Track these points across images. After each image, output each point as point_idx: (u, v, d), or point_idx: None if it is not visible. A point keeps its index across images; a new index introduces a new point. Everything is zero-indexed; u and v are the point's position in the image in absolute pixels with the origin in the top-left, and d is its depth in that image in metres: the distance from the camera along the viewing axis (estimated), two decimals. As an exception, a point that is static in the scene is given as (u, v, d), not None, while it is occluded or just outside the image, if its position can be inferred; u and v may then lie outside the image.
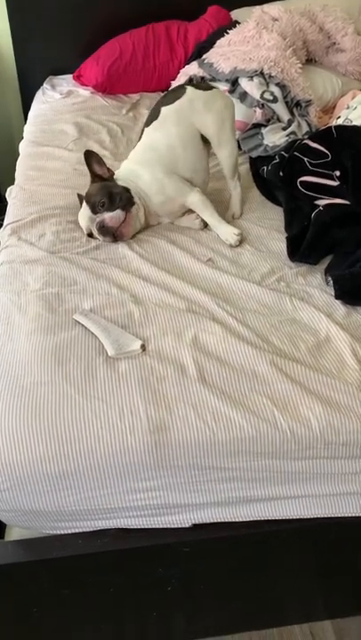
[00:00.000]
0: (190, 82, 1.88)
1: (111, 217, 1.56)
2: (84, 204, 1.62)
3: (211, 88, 1.80)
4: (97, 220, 1.58)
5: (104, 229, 1.58)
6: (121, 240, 1.60)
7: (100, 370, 1.20)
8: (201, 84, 1.88)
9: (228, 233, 1.62)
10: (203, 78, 2.35)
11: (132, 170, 1.67)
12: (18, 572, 1.17)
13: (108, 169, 1.65)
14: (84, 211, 1.62)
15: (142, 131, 1.77)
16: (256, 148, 2.04)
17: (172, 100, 1.72)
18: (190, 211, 1.69)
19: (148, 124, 1.75)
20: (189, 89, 1.74)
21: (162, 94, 1.95)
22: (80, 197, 1.70)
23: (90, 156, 1.64)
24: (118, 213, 1.57)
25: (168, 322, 1.31)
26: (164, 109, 1.72)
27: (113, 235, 1.59)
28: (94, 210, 1.59)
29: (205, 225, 1.68)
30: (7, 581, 1.18)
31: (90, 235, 1.63)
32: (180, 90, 1.75)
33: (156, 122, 1.72)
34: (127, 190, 1.60)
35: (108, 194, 1.58)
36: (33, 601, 1.23)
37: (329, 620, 1.43)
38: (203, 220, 1.68)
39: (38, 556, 1.16)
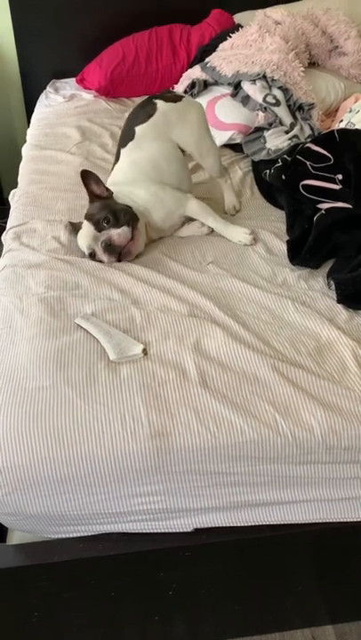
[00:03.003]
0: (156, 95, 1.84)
1: (118, 234, 1.48)
2: (86, 222, 1.54)
3: (179, 97, 1.76)
4: (102, 238, 1.50)
5: (110, 247, 1.49)
6: (125, 259, 1.53)
7: (101, 374, 1.20)
8: (167, 94, 1.80)
9: (239, 234, 1.61)
10: (205, 82, 2.36)
11: (125, 191, 1.61)
12: (19, 576, 1.17)
13: (107, 188, 1.58)
14: (86, 229, 1.53)
15: (118, 152, 1.73)
16: (259, 152, 2.04)
17: (144, 118, 1.69)
18: (190, 219, 1.68)
19: (123, 144, 1.71)
20: (160, 103, 1.71)
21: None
22: (73, 225, 1.64)
23: (87, 176, 1.55)
24: (125, 230, 1.49)
25: (170, 326, 1.31)
26: (138, 129, 1.68)
27: (119, 253, 1.51)
28: (98, 227, 1.50)
29: (212, 229, 1.66)
30: (8, 585, 1.18)
31: (91, 255, 1.54)
32: (150, 105, 1.72)
33: (132, 142, 1.68)
34: (129, 207, 1.54)
35: (111, 210, 1.50)
36: (34, 605, 1.23)
37: (331, 625, 1.43)
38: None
39: (39, 560, 1.16)
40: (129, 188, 1.62)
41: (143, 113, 1.71)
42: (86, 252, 1.55)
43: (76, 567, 1.17)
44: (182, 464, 1.11)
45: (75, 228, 1.63)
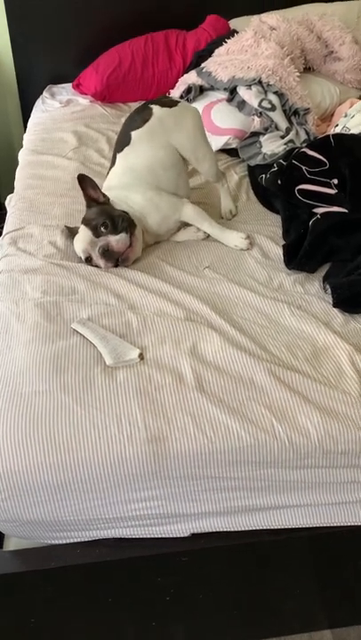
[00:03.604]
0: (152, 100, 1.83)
1: (117, 240, 1.48)
2: (83, 227, 1.54)
3: (175, 103, 1.77)
4: (100, 243, 1.49)
5: (108, 253, 1.49)
6: (123, 265, 1.53)
7: (97, 379, 1.20)
8: (164, 99, 1.81)
9: (235, 239, 1.61)
10: (201, 87, 2.37)
11: (121, 195, 1.61)
12: (16, 583, 1.17)
13: (103, 194, 1.58)
14: (84, 234, 1.53)
15: (114, 156, 1.74)
16: (254, 157, 2.05)
17: (140, 124, 1.69)
18: (186, 224, 1.68)
19: (119, 149, 1.72)
20: (156, 108, 1.71)
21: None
22: (69, 229, 1.64)
23: (84, 181, 1.55)
24: (124, 237, 1.49)
25: (166, 331, 1.31)
26: (134, 134, 1.69)
27: (116, 260, 1.51)
28: (96, 233, 1.50)
29: (208, 234, 1.67)
30: (5, 592, 1.18)
31: (87, 259, 1.54)
32: (146, 110, 1.72)
33: (128, 147, 1.68)
34: (126, 214, 1.55)
35: (109, 216, 1.51)
36: (31, 611, 1.22)
37: (329, 630, 1.42)
38: None
39: (36, 565, 1.16)
40: (125, 193, 1.62)
41: (139, 118, 1.72)
42: (82, 257, 1.55)
43: (73, 573, 1.17)
44: (179, 469, 1.11)
45: (71, 232, 1.63)
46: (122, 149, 1.71)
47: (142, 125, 1.69)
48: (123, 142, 1.72)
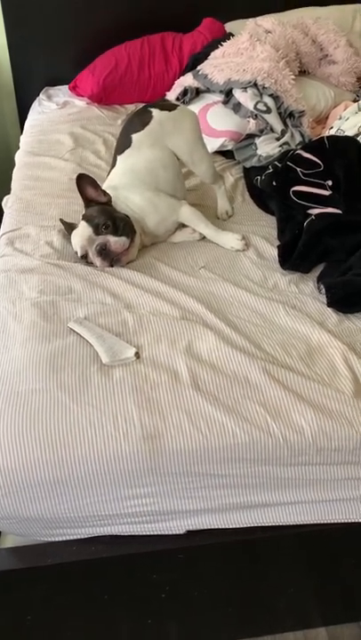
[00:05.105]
0: (150, 103, 1.86)
1: (116, 241, 1.51)
2: (84, 223, 1.55)
3: (174, 106, 1.80)
4: (98, 241, 1.51)
5: (105, 252, 1.51)
6: (116, 265, 1.54)
7: (94, 377, 1.21)
8: (163, 103, 1.86)
9: (230, 240, 1.63)
10: (197, 89, 2.38)
11: (121, 196, 1.63)
12: (12, 580, 1.17)
13: (104, 192, 1.60)
14: (84, 230, 1.54)
15: (114, 158, 1.76)
16: (250, 159, 2.06)
17: (140, 127, 1.72)
18: (183, 225, 1.69)
19: (119, 151, 1.74)
20: (155, 111, 1.74)
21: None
22: (65, 224, 1.66)
23: (82, 181, 1.57)
24: (124, 240, 1.51)
25: (162, 330, 1.32)
26: (135, 136, 1.71)
27: (111, 259, 1.53)
28: (97, 231, 1.52)
29: (203, 236, 1.68)
30: (1, 589, 1.18)
31: (83, 256, 1.55)
32: (146, 113, 1.75)
33: (129, 150, 1.71)
34: (128, 218, 1.57)
35: (112, 217, 1.53)
36: (27, 608, 1.23)
37: (324, 627, 1.43)
38: None
39: (32, 563, 1.16)
40: (125, 194, 1.64)
41: (139, 121, 1.75)
42: (79, 252, 1.56)
43: (68, 570, 1.17)
44: (174, 466, 1.12)
45: (69, 226, 1.64)
46: (122, 151, 1.73)
47: (143, 128, 1.72)
48: (123, 144, 1.74)
